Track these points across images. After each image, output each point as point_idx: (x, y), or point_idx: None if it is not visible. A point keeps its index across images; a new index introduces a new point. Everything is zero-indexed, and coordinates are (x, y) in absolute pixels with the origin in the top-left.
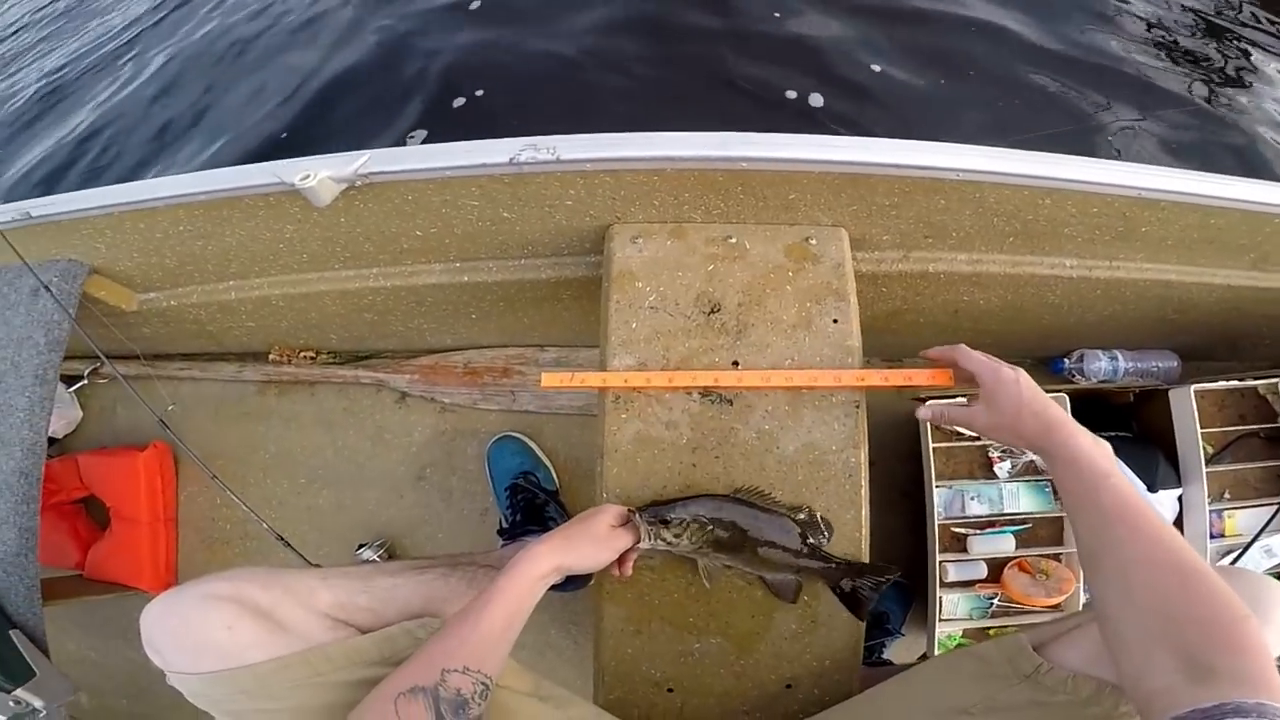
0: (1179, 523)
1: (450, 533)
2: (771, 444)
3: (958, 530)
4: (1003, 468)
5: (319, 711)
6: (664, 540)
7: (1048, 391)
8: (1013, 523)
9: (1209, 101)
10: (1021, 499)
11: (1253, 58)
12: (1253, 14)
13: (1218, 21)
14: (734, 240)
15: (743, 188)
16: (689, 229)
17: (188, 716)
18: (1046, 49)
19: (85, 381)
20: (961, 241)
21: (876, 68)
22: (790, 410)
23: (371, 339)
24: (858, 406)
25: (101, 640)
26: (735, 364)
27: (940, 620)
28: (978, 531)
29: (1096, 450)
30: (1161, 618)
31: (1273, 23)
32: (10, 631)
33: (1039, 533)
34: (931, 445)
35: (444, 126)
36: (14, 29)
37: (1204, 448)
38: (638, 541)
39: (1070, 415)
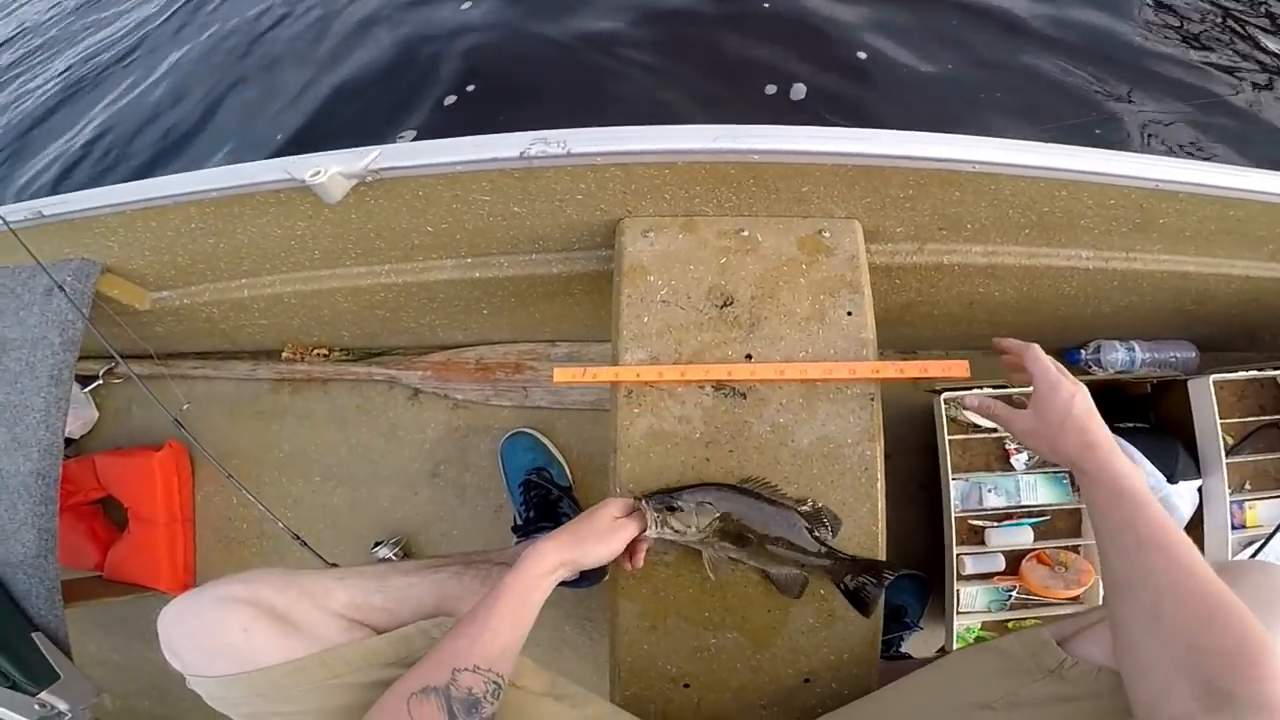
0: (1199, 514)
1: (465, 529)
2: (786, 437)
3: (975, 523)
4: (1020, 459)
5: (336, 713)
6: (671, 528)
7: None
8: (1030, 515)
9: (1236, 92)
10: (1039, 491)
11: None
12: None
13: (1240, 13)
14: (746, 233)
15: (755, 180)
16: (700, 222)
17: (209, 718)
18: (1045, 35)
19: (100, 382)
20: (977, 233)
21: (863, 55)
22: (804, 403)
23: (383, 336)
24: (872, 399)
25: (122, 641)
26: (748, 357)
27: (958, 613)
28: (995, 524)
29: (1136, 476)
30: (1187, 647)
31: None
32: (33, 634)
33: (1057, 525)
34: (948, 437)
35: (436, 123)
36: (22, 29)
37: (1223, 438)
38: (644, 530)
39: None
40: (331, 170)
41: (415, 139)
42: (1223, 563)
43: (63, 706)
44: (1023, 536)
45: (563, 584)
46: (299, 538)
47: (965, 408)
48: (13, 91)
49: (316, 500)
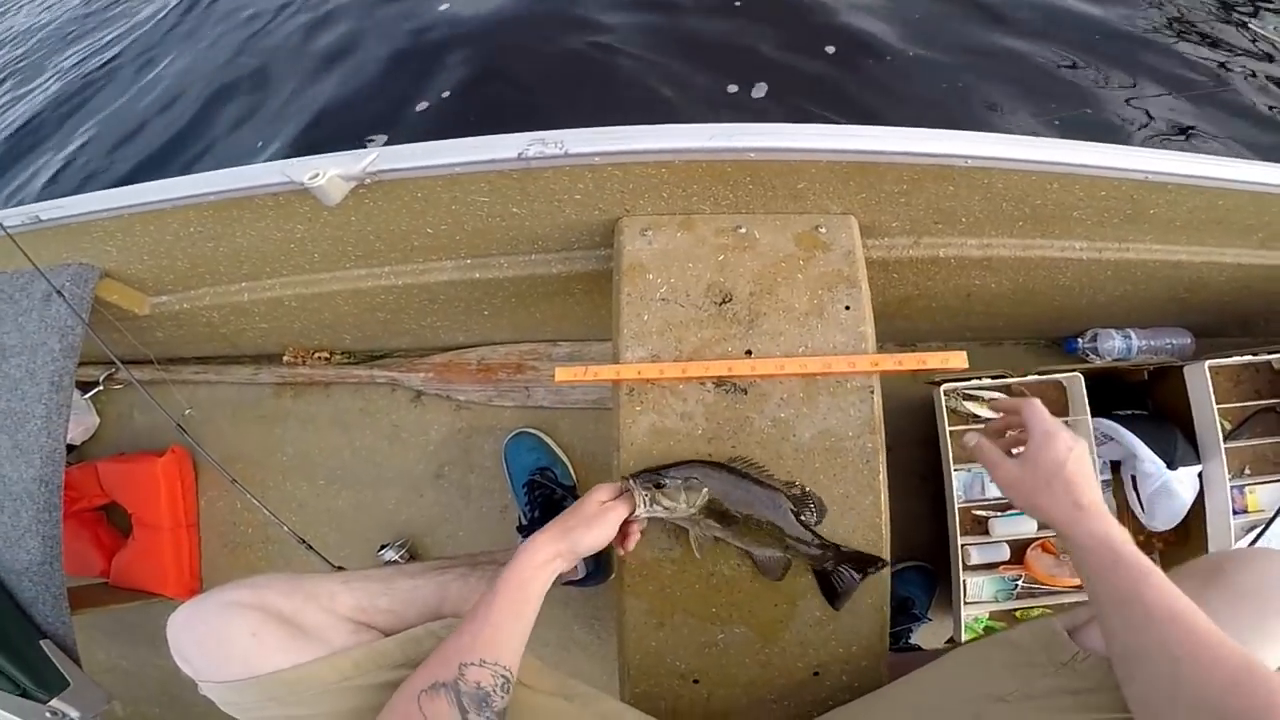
0: (1200, 500)
1: (470, 531)
2: (787, 432)
3: (978, 513)
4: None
5: (347, 715)
6: (661, 506)
7: (1061, 371)
8: None
9: (1224, 83)
10: None
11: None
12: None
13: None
14: (744, 230)
15: (751, 178)
16: (698, 220)
17: None
18: (1021, 22)
19: (100, 387)
20: (971, 226)
21: (830, 49)
22: (805, 398)
23: (385, 338)
24: (872, 392)
25: (130, 648)
26: (748, 353)
27: (966, 603)
28: (998, 513)
29: (1129, 540)
30: (1214, 713)
31: None
32: (41, 642)
33: None
34: (949, 428)
35: (405, 129)
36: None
37: (1221, 423)
38: (634, 511)
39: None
40: (330, 173)
41: (386, 144)
42: (1225, 551)
43: (74, 714)
44: (1026, 525)
45: (569, 583)
46: (304, 541)
47: (964, 444)
48: (5, 97)
49: (321, 504)
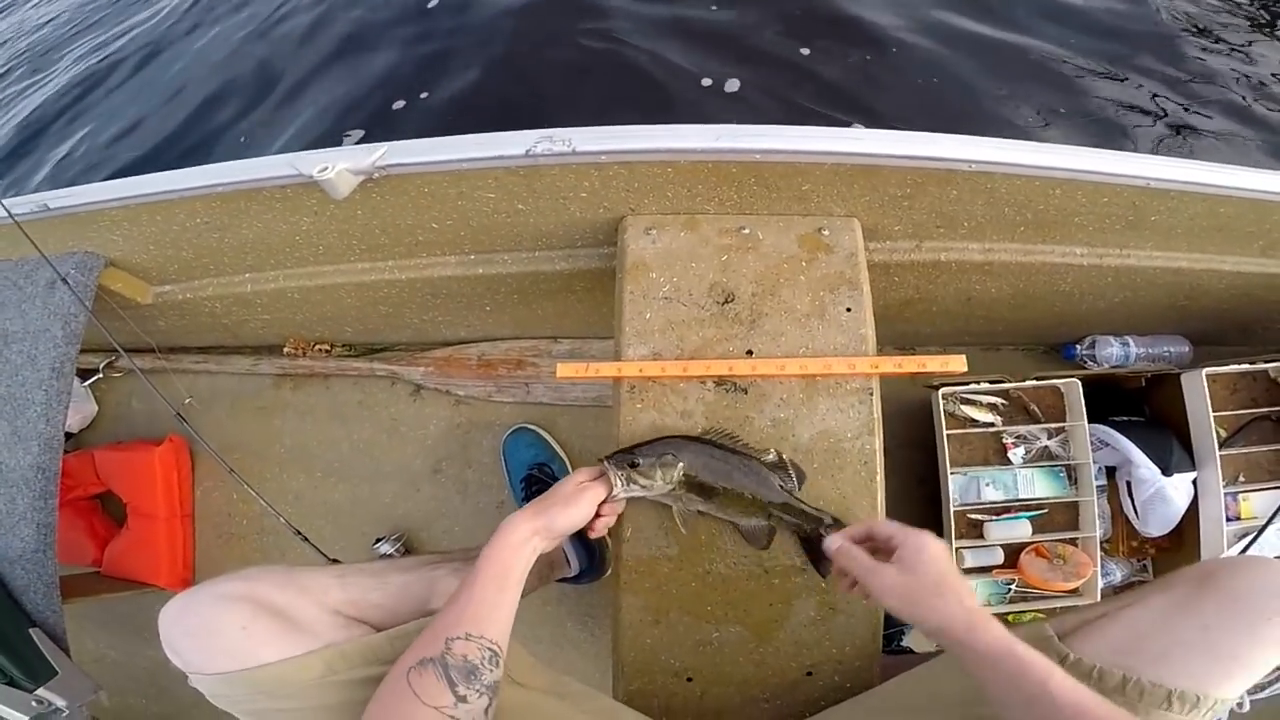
0: (1194, 506)
1: (467, 526)
2: (787, 432)
3: (974, 516)
4: (1017, 454)
5: (337, 709)
6: (637, 484)
7: (1059, 377)
8: (1028, 508)
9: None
10: (1036, 484)
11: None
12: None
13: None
14: (747, 231)
15: (756, 179)
16: (702, 220)
17: (208, 716)
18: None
19: (100, 375)
20: (973, 231)
21: (806, 50)
22: (805, 398)
23: (386, 332)
24: (871, 394)
25: (120, 638)
26: (749, 353)
27: None
28: (994, 517)
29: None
30: None
31: None
32: (30, 630)
33: (1055, 518)
34: (946, 432)
35: (383, 128)
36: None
37: (1216, 431)
38: (612, 491)
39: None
40: (339, 166)
41: (361, 140)
42: (1217, 559)
43: (60, 703)
44: (1021, 530)
45: (563, 580)
46: (300, 533)
47: (826, 547)
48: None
49: (318, 496)
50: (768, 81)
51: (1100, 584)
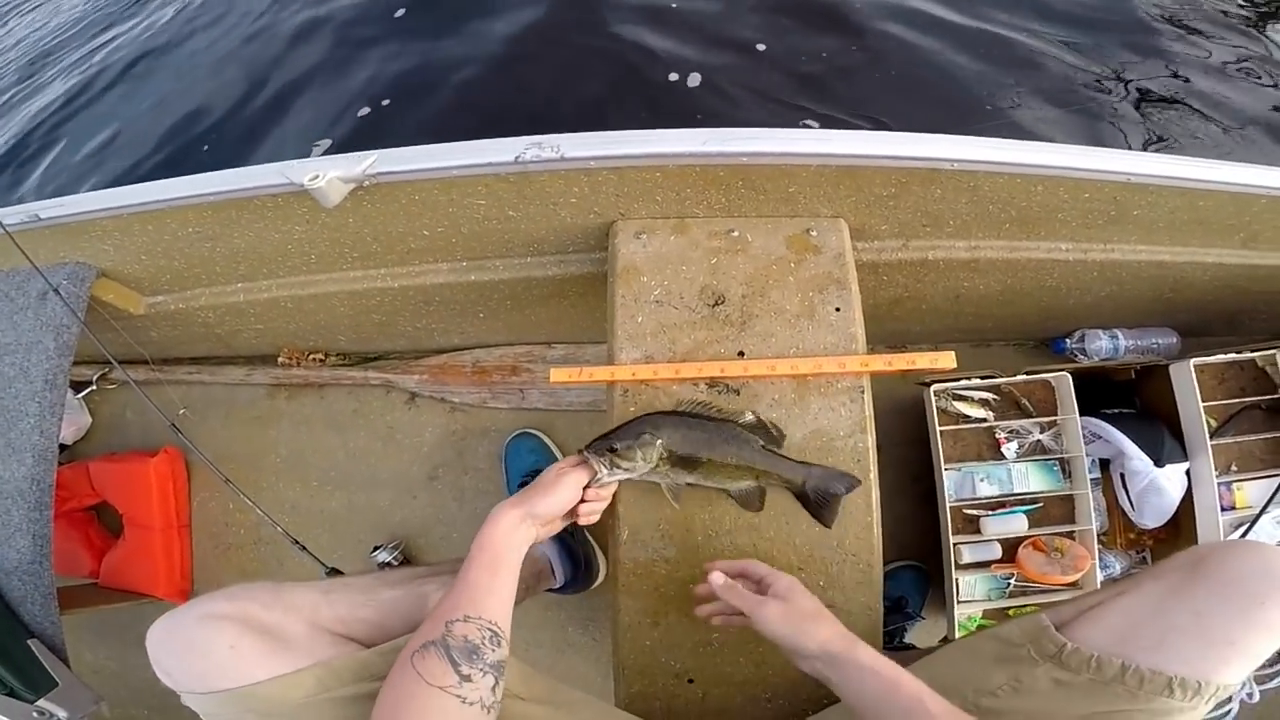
0: (1188, 496)
1: (464, 533)
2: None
3: (970, 512)
4: (1010, 448)
5: None
6: (620, 468)
7: (1050, 371)
8: (1023, 502)
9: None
10: (1031, 478)
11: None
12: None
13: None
14: (736, 233)
15: (743, 182)
16: (692, 223)
17: None
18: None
19: (94, 387)
20: (959, 229)
21: (761, 46)
22: (796, 398)
23: (380, 340)
24: (862, 392)
25: (119, 649)
26: (741, 354)
27: (959, 602)
28: (990, 512)
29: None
30: None
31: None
32: (29, 641)
33: (1051, 511)
34: (939, 428)
35: (349, 135)
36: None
37: (1207, 421)
38: (595, 476)
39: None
40: (330, 174)
41: (328, 150)
42: (1206, 544)
43: (61, 714)
44: (1017, 524)
45: (550, 590)
46: (298, 542)
47: (712, 582)
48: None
49: (314, 505)
50: (731, 75)
51: (1099, 576)
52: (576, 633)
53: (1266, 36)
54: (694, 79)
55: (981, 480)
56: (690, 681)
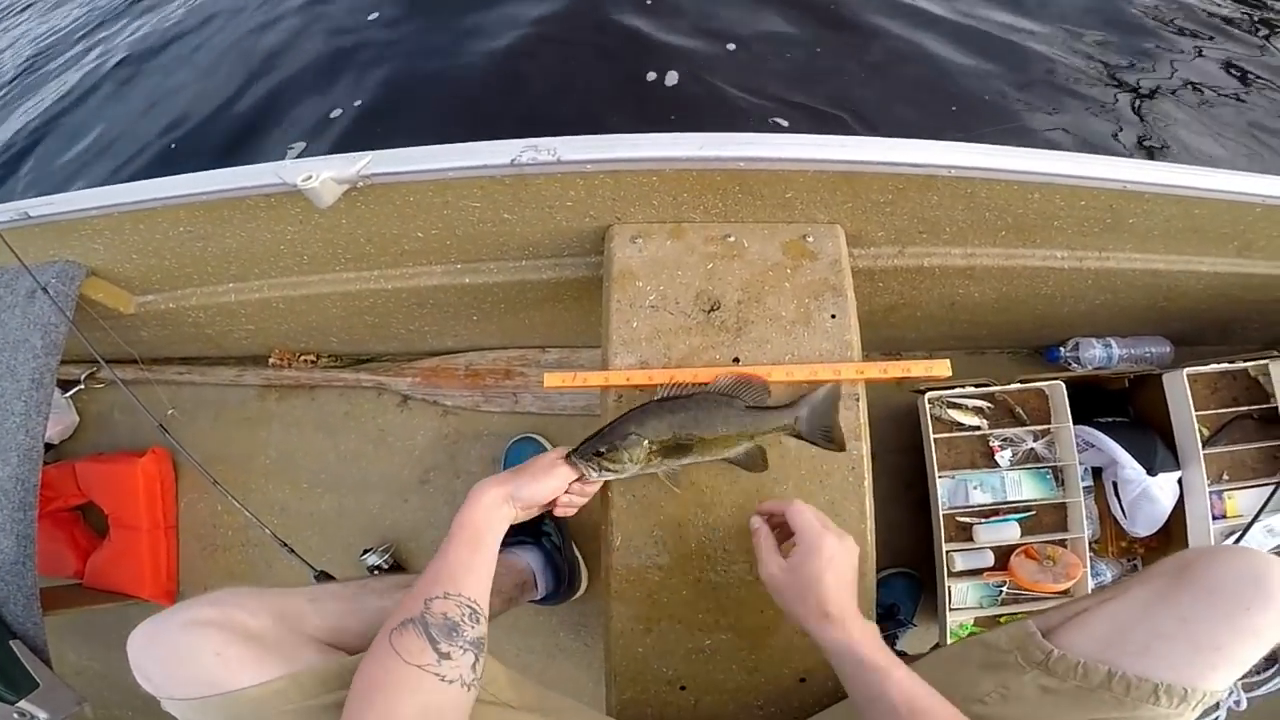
0: (1180, 505)
1: None
2: (774, 439)
3: (962, 519)
4: (1003, 456)
5: None
6: (609, 470)
7: (1043, 379)
8: (1016, 510)
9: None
10: (1024, 487)
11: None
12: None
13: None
14: (732, 239)
15: (740, 187)
16: (688, 228)
17: None
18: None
19: (81, 386)
20: (955, 236)
21: (731, 46)
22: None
23: (372, 342)
24: (857, 399)
25: (103, 650)
26: (736, 360)
27: (951, 610)
28: (982, 520)
29: (873, 643)
30: None
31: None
32: (11, 642)
33: (1043, 519)
34: (933, 436)
35: (319, 136)
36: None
37: (1199, 430)
38: (581, 476)
39: (858, 612)
40: (324, 175)
41: (302, 153)
42: (1192, 549)
43: (42, 715)
44: (1009, 532)
45: (532, 602)
46: (286, 544)
47: (751, 525)
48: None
49: (304, 507)
50: (708, 73)
51: (1091, 584)
52: (569, 638)
53: (1269, 43)
54: (671, 76)
55: (975, 488)
56: (682, 688)
